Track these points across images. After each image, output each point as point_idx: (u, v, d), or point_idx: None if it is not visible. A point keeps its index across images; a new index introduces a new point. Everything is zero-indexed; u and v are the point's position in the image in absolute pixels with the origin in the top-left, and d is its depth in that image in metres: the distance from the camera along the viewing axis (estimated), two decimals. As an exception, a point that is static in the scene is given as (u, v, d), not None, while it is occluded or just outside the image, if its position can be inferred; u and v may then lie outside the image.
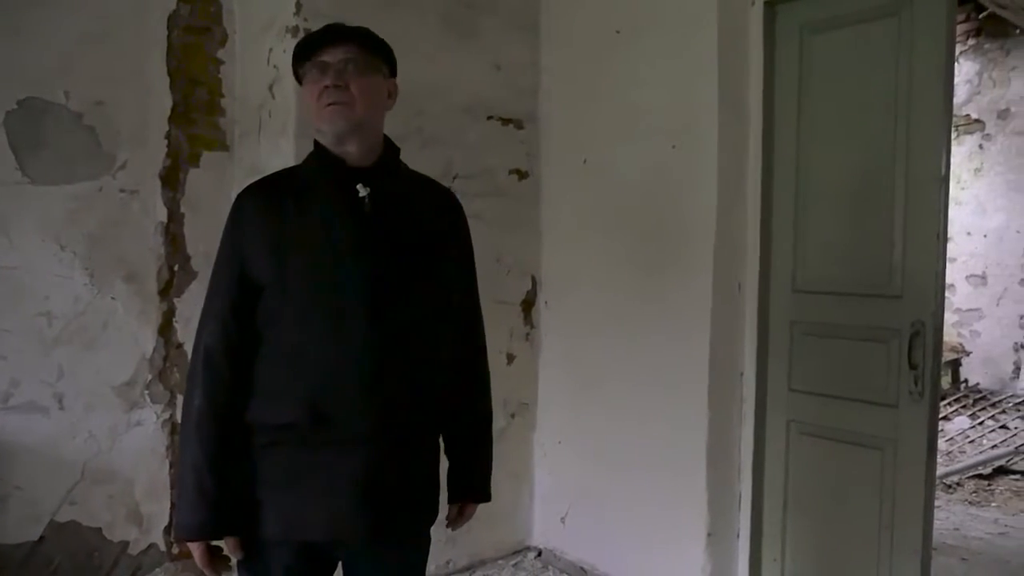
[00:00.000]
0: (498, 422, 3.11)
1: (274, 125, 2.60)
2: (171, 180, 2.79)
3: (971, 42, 6.05)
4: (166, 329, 2.81)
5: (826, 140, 2.42)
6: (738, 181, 2.53)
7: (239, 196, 1.46)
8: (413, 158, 2.81)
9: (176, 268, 2.82)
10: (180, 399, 2.83)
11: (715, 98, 2.47)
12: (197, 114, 2.85)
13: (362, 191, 1.42)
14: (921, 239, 2.20)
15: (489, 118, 2.98)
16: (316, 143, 1.45)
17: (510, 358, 3.10)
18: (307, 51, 1.41)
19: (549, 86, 3.10)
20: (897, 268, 2.25)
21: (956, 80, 6.28)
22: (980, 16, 5.81)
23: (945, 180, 2.17)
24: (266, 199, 1.43)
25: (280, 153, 2.55)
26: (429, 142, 2.80)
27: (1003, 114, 5.91)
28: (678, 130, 2.59)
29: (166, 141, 2.78)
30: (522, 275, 3.12)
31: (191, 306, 2.81)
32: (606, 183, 2.88)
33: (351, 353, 1.36)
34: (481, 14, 2.94)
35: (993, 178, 5.99)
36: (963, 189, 6.17)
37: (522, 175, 3.10)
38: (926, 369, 2.19)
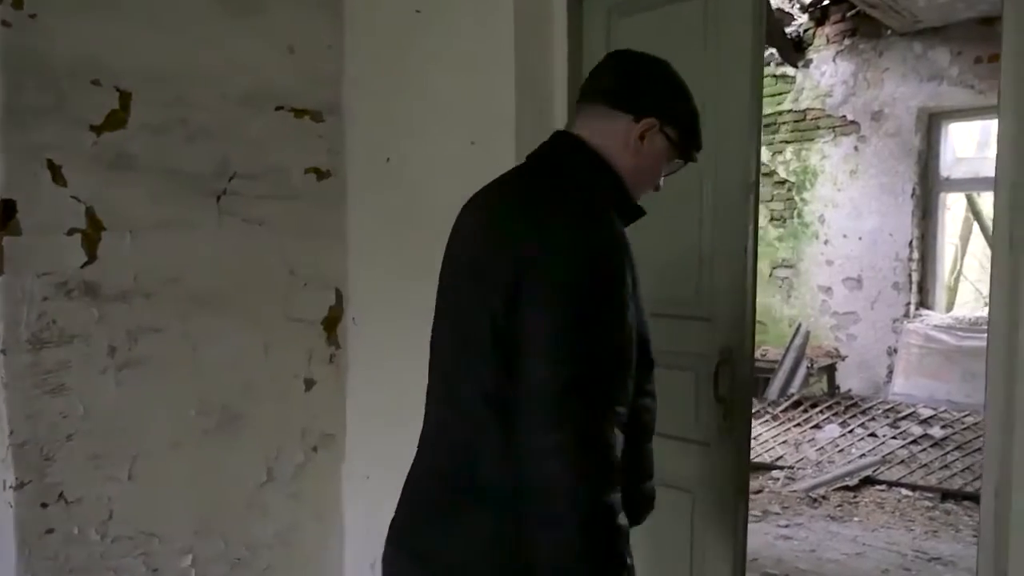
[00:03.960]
0: (296, 457, 2.75)
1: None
2: None
3: (846, 42, 5.98)
4: None
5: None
6: (541, 185, 2.22)
7: (614, 230, 1.17)
8: (176, 153, 2.42)
9: None
10: None
11: (512, 87, 2.14)
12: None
13: None
14: (729, 254, 1.93)
15: (278, 108, 2.58)
16: (619, 182, 1.27)
17: (309, 384, 2.71)
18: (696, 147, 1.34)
19: (353, 73, 2.72)
20: (705, 287, 1.98)
21: (832, 80, 6.24)
22: (849, 14, 5.75)
23: (754, 187, 1.90)
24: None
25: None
26: (197, 135, 2.38)
27: (877, 116, 5.87)
28: (477, 124, 2.26)
29: None
30: (323, 288, 2.74)
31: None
32: (409, 184, 2.52)
33: None
34: (268, -13, 2.54)
35: (867, 180, 5.95)
36: (840, 191, 6.12)
37: (322, 175, 2.71)
38: (735, 403, 1.92)
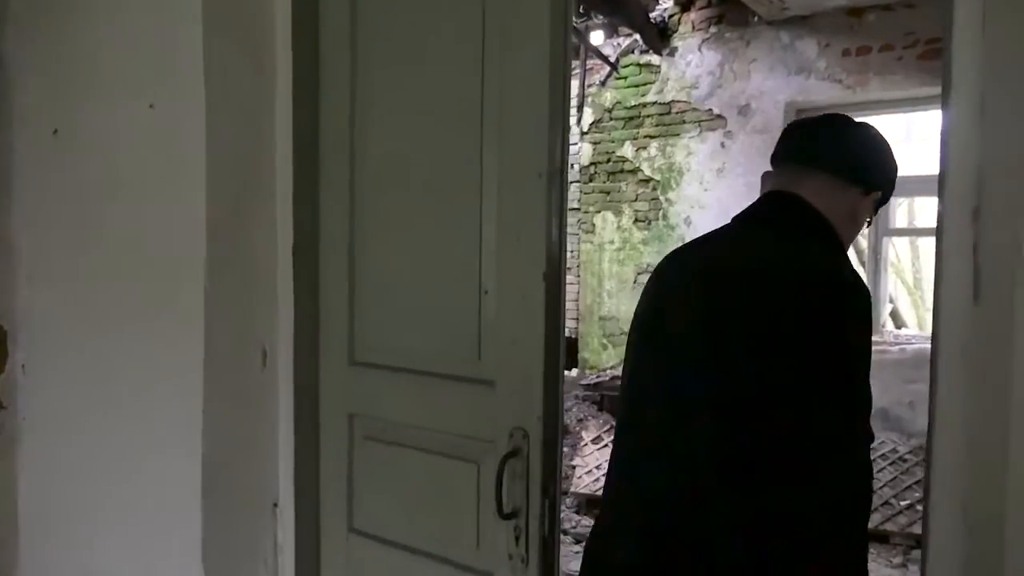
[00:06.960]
0: (-76, 575, 1.86)
1: None
2: None
3: (712, 30, 5.54)
4: None
5: (394, 112, 1.41)
6: (252, 170, 1.46)
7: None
8: None
9: None
10: None
11: (199, 25, 1.37)
12: None
13: None
14: (520, 283, 1.23)
15: None
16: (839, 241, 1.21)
17: (-57, 466, 1.83)
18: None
19: (18, 9, 1.86)
20: (488, 333, 1.28)
21: (698, 71, 5.80)
22: (716, -3, 5.31)
23: (554, 183, 1.22)
24: None
25: None
26: None
27: (744, 110, 5.45)
28: (156, 79, 1.47)
29: None
30: (-31, 324, 1.86)
31: None
32: (79, 167, 1.70)
33: None
34: None
35: (735, 180, 5.52)
36: (706, 191, 5.68)
37: (-36, 155, 1.83)
38: (531, 518, 1.22)
